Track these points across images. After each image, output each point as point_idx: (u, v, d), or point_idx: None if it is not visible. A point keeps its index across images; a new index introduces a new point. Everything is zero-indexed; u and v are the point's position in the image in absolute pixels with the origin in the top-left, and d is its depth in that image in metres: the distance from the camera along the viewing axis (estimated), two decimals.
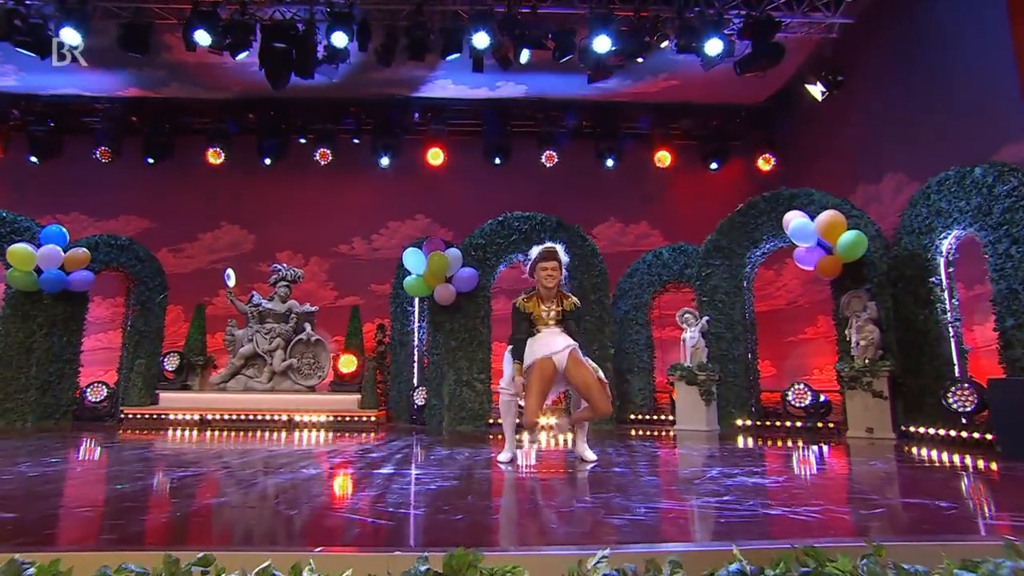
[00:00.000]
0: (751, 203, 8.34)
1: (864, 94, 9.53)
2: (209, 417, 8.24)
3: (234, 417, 8.23)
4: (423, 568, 1.67)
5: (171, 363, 9.02)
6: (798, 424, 7.49)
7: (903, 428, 6.59)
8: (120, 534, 2.37)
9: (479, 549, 1.80)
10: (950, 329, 6.49)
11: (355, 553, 1.99)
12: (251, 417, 8.20)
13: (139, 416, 8.24)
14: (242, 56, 8.62)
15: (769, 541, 2.13)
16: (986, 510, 3.06)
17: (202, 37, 8.34)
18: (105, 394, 8.97)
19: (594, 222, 12.02)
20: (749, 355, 8.34)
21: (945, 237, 6.58)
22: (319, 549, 1.97)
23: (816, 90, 9.40)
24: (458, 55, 8.65)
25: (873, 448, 5.85)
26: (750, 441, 6.43)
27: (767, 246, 8.29)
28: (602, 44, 8.53)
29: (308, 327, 8.93)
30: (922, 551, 1.92)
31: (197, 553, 1.74)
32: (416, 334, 9.07)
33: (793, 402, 7.87)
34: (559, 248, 4.34)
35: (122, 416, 8.34)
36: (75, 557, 1.75)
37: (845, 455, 5.48)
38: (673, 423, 8.01)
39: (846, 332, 7.11)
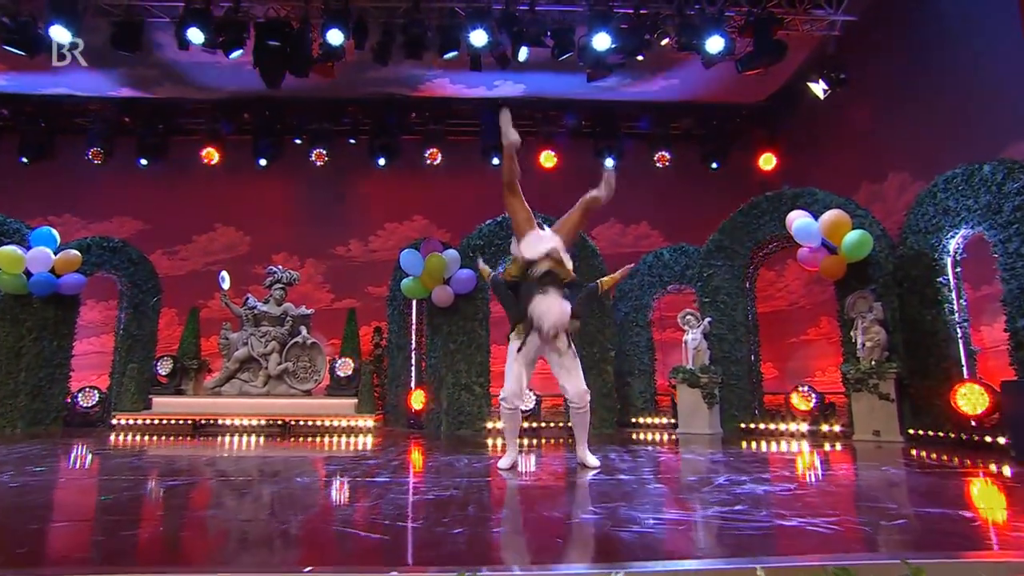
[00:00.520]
0: (753, 203, 8.22)
1: (867, 92, 9.41)
2: (203, 422, 8.08)
3: (228, 422, 8.08)
4: None
5: (164, 367, 8.85)
6: (802, 427, 7.34)
7: (910, 431, 6.47)
8: (102, 551, 2.23)
9: (480, 570, 1.68)
10: (958, 330, 6.36)
11: (350, 575, 1.87)
12: (246, 422, 8.05)
13: (131, 422, 8.08)
14: (236, 54, 8.48)
15: (793, 558, 1.99)
16: (1014, 521, 2.93)
17: (195, 35, 8.19)
18: (97, 399, 8.79)
19: (594, 223, 11.86)
20: (752, 357, 8.22)
21: (952, 236, 6.45)
22: (308, 569, 1.84)
23: (818, 88, 9.26)
24: (456, 53, 8.52)
25: (881, 452, 5.73)
26: (754, 445, 6.31)
27: (770, 246, 8.17)
28: (602, 42, 8.40)
29: (304, 330, 8.80)
30: (959, 569, 1.79)
31: None
32: (414, 337, 8.92)
33: (798, 405, 7.73)
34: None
35: (114, 422, 8.18)
36: None
37: (853, 460, 5.36)
38: (675, 426, 7.89)
39: (851, 333, 6.98)
